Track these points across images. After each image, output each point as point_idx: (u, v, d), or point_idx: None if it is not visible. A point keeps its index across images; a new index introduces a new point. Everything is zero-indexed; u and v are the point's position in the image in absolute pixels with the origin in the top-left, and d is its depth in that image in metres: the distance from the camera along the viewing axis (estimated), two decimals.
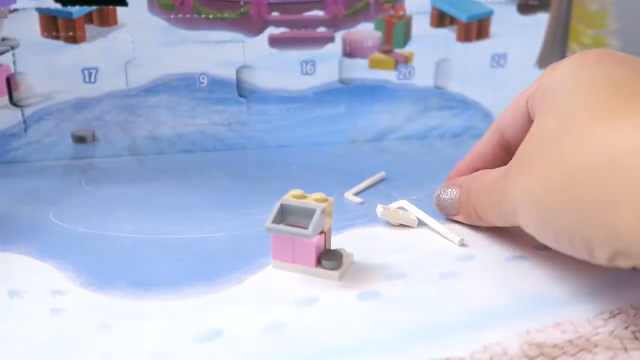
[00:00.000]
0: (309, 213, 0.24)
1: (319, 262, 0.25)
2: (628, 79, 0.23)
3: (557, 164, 0.22)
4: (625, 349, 0.21)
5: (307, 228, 0.24)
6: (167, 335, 0.21)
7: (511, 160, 0.25)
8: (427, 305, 0.23)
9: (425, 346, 0.21)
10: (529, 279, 0.25)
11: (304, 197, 0.25)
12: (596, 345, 0.21)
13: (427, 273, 0.26)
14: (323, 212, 0.24)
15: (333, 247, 0.27)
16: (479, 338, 0.21)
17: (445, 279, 0.25)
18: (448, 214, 0.31)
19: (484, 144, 0.31)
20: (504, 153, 0.30)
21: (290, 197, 0.25)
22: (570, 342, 0.21)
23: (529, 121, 0.27)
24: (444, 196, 0.30)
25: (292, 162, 0.33)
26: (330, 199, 0.25)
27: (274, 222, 0.24)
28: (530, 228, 0.23)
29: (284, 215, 0.25)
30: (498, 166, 0.28)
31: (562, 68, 0.25)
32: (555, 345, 0.21)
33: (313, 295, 0.24)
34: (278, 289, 0.24)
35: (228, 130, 0.43)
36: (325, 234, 0.25)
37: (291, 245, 0.25)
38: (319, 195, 0.25)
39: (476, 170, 0.31)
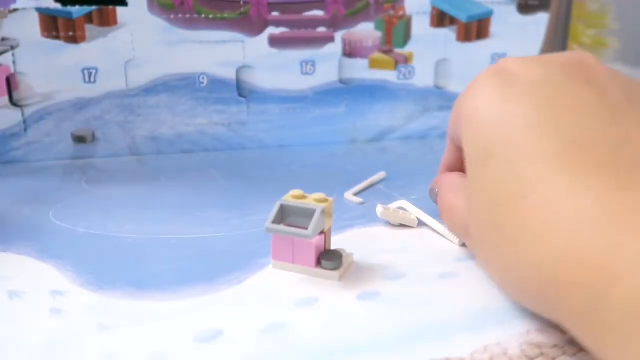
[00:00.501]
0: (309, 213, 0.24)
1: (319, 263, 0.25)
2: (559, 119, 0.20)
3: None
4: None
5: (307, 228, 0.24)
6: (167, 336, 0.21)
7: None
8: (427, 305, 0.23)
9: (425, 346, 0.21)
10: None
11: (304, 197, 0.25)
12: None
13: (427, 273, 0.26)
14: (323, 212, 0.24)
15: (333, 247, 0.27)
16: (479, 338, 0.21)
17: (446, 279, 0.25)
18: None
19: (446, 151, 0.30)
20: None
21: (290, 197, 0.25)
22: (570, 342, 0.21)
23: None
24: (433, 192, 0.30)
25: (292, 162, 0.33)
26: (330, 199, 0.25)
27: (273, 222, 0.24)
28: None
29: (284, 215, 0.25)
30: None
31: (482, 100, 0.22)
32: (555, 346, 0.21)
33: (313, 295, 0.24)
34: (278, 289, 0.24)
35: (228, 130, 0.43)
36: (325, 234, 0.25)
37: (291, 246, 0.25)
38: (319, 195, 0.25)
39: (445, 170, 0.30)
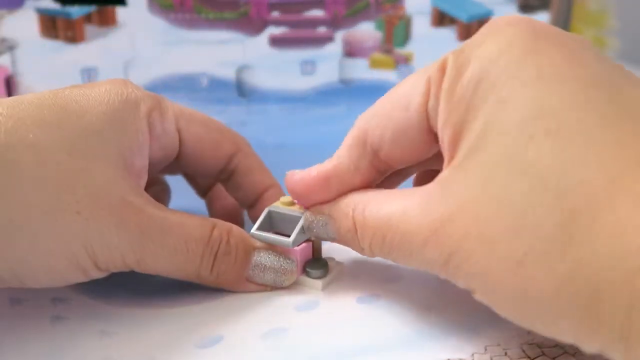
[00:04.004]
0: (295, 221, 0.24)
1: (304, 271, 0.25)
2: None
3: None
4: None
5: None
6: (168, 342, 0.21)
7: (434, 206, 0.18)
8: (428, 306, 0.23)
9: (426, 348, 0.21)
10: None
11: (292, 204, 0.25)
12: None
13: (427, 274, 0.25)
14: None
15: (332, 250, 0.26)
16: (480, 339, 0.21)
17: (445, 280, 0.25)
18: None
19: (346, 162, 0.22)
20: (377, 174, 0.23)
21: (280, 204, 0.25)
22: None
23: (431, 135, 0.20)
24: (315, 224, 0.23)
25: (292, 163, 0.33)
26: None
27: (260, 228, 0.24)
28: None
29: (273, 222, 0.25)
30: (366, 186, 0.22)
31: (499, 49, 0.18)
32: (556, 345, 0.21)
33: (313, 299, 0.24)
34: (278, 293, 0.24)
35: None
36: (312, 242, 0.25)
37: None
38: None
39: (339, 191, 0.22)
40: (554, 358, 0.20)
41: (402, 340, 0.21)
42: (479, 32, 0.20)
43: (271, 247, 0.24)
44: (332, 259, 0.26)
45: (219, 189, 0.29)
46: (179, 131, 0.26)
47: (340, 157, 0.23)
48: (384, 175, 0.23)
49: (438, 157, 0.21)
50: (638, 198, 0.15)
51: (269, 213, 0.25)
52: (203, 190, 0.30)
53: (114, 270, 0.22)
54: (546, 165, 0.16)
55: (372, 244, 0.21)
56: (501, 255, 0.17)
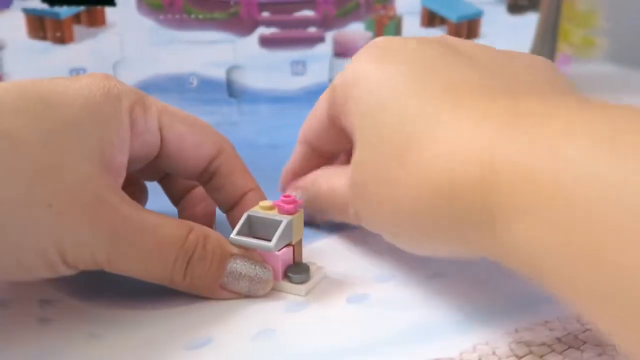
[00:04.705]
0: (275, 225, 0.24)
1: (285, 276, 0.24)
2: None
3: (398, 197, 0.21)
4: (614, 345, 0.21)
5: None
6: (157, 344, 0.21)
7: (349, 182, 0.24)
8: (416, 306, 0.23)
9: (414, 347, 0.21)
10: (517, 277, 0.25)
11: (272, 208, 0.24)
12: (584, 342, 0.21)
13: (416, 274, 0.26)
14: (290, 224, 0.24)
15: (324, 250, 0.26)
16: (468, 338, 0.21)
17: (434, 279, 0.25)
18: None
19: (299, 158, 0.29)
20: (323, 160, 0.29)
21: (259, 208, 0.25)
22: (558, 339, 0.21)
23: (339, 131, 0.26)
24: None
25: (283, 163, 0.33)
26: (301, 210, 0.24)
27: (239, 233, 0.24)
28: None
29: (252, 227, 0.24)
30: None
31: (365, 69, 0.24)
32: (543, 344, 0.21)
33: (302, 299, 0.24)
34: (267, 294, 0.24)
35: (218, 131, 0.43)
36: (293, 246, 0.25)
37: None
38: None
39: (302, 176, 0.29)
40: (542, 356, 0.20)
41: (391, 339, 0.21)
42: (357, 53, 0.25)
43: (248, 255, 0.24)
44: (314, 263, 0.25)
45: (191, 197, 0.29)
46: (161, 129, 0.25)
47: (294, 154, 0.30)
48: (328, 159, 0.29)
49: None
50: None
51: (249, 218, 0.24)
52: (176, 198, 0.30)
53: (83, 269, 0.21)
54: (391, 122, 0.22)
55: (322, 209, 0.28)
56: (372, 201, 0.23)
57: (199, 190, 0.29)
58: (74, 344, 0.21)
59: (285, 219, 0.24)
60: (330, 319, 0.23)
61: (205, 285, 0.23)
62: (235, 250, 0.23)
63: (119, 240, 0.21)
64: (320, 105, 0.27)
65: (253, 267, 0.23)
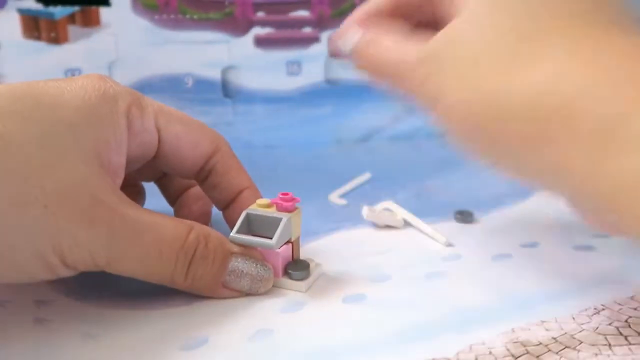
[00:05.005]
0: (275, 223, 0.24)
1: (285, 273, 0.25)
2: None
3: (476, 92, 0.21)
4: (610, 345, 0.21)
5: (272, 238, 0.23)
6: (152, 344, 0.21)
7: (426, 49, 0.23)
8: (413, 306, 0.23)
9: (411, 347, 0.21)
10: (514, 277, 0.25)
11: (270, 206, 0.25)
12: (580, 342, 0.21)
13: (413, 274, 0.26)
14: (289, 222, 0.24)
15: (321, 250, 0.26)
16: (465, 338, 0.21)
17: (431, 279, 0.25)
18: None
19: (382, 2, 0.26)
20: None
21: (257, 206, 0.25)
22: (554, 339, 0.21)
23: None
24: (342, 41, 0.27)
25: (278, 163, 0.33)
26: (298, 208, 0.25)
27: (239, 232, 0.24)
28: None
29: (251, 225, 0.24)
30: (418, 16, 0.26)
31: None
32: (539, 343, 0.21)
33: (299, 299, 0.24)
34: (263, 294, 0.24)
35: None
36: (292, 243, 0.25)
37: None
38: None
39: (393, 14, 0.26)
40: (538, 356, 0.20)
41: (387, 340, 0.21)
42: None
43: (249, 253, 0.24)
44: (312, 260, 0.25)
45: (187, 196, 0.29)
46: (158, 129, 0.25)
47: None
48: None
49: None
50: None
51: (247, 216, 0.24)
52: (173, 198, 0.30)
53: (84, 270, 0.21)
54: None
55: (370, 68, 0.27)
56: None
57: (195, 190, 0.29)
58: (70, 343, 0.21)
59: (285, 217, 0.24)
60: (326, 319, 0.23)
61: (206, 285, 0.23)
62: (235, 248, 0.24)
63: (118, 240, 0.21)
64: None
65: (254, 265, 0.23)
